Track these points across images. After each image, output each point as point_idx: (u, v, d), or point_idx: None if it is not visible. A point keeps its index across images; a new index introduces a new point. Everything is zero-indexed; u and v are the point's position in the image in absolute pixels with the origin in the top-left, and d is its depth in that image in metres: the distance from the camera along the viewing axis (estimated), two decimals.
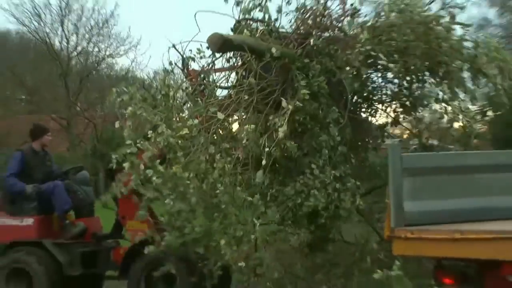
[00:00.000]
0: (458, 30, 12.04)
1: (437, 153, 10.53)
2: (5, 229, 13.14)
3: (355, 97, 12.46)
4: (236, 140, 10.76)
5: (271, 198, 11.20)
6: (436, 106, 12.60)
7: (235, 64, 11.80)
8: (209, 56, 11.74)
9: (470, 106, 12.51)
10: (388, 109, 12.88)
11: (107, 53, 62.24)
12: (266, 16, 11.61)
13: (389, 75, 12.38)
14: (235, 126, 11.26)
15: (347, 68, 11.15)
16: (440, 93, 12.19)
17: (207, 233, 10.69)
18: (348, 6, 12.29)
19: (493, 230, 7.37)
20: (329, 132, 11.11)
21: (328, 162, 10.92)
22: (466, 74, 11.97)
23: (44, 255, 12.74)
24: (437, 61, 11.57)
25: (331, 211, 10.70)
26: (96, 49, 59.54)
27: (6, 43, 65.99)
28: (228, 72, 11.87)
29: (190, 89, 11.51)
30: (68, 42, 57.57)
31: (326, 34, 11.99)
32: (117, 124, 11.05)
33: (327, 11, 11.88)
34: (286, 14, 12.06)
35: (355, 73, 11.10)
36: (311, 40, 11.66)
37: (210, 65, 11.70)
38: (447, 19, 11.79)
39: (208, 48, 11.34)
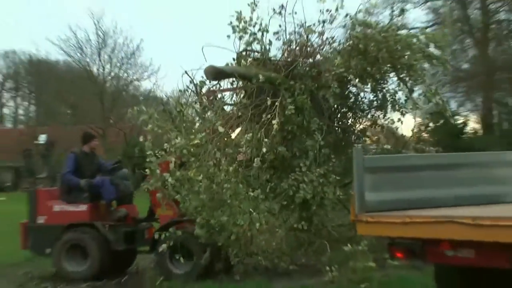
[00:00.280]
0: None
1: (391, 156, 10.63)
2: (64, 214, 13.79)
3: (342, 108, 12.71)
4: (238, 146, 10.78)
5: (271, 191, 11.48)
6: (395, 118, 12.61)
7: (237, 86, 11.80)
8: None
9: (418, 119, 12.57)
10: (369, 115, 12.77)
11: (134, 77, 70.35)
12: (262, 47, 11.50)
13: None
14: (235, 136, 11.15)
15: (327, 87, 11.03)
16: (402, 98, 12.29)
17: (221, 226, 10.92)
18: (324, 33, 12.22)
19: (433, 216, 7.70)
20: (314, 138, 11.29)
21: (314, 161, 10.85)
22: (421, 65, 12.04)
23: (95, 234, 13.53)
24: (397, 59, 11.56)
25: (318, 201, 10.67)
26: (125, 74, 65.73)
27: (55, 70, 72.03)
28: (231, 92, 11.86)
29: (199, 106, 11.46)
30: (103, 69, 63.33)
31: (310, 60, 11.82)
32: (141, 138, 11.34)
33: (309, 42, 11.76)
34: (277, 49, 12.00)
35: (333, 90, 10.96)
36: (297, 66, 11.83)
37: (218, 87, 11.60)
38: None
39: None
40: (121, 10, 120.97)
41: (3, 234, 23.34)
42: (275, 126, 11.20)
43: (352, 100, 12.81)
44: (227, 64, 11.90)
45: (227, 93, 12.64)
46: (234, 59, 11.98)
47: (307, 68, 12.03)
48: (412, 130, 13.25)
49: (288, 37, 12.36)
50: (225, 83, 12.28)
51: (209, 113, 11.99)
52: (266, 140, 11.07)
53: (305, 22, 12.27)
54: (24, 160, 17.14)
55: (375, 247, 11.01)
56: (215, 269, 12.68)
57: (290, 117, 11.33)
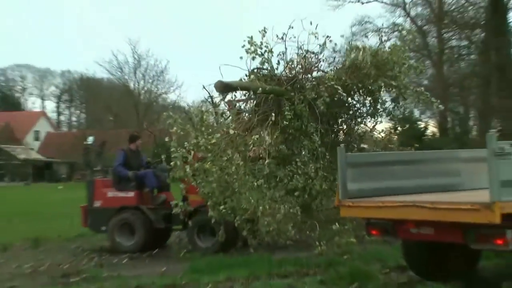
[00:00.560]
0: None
1: (368, 153, 10.62)
2: (116, 199, 13.95)
3: (339, 115, 12.37)
4: (247, 145, 10.79)
5: (274, 181, 11.27)
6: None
7: (248, 96, 11.85)
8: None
9: (389, 123, 12.57)
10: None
11: (162, 91, 68.38)
12: (269, 66, 11.55)
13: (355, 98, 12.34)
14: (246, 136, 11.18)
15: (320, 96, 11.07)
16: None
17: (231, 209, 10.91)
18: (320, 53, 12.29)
19: (401, 201, 7.68)
20: (311, 139, 11.21)
21: (310, 158, 10.99)
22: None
23: (141, 215, 13.67)
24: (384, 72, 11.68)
25: (307, 191, 10.70)
26: (156, 89, 63.50)
27: (101, 86, 74.55)
28: (243, 102, 11.92)
29: (214, 114, 11.52)
30: (138, 85, 63.22)
31: (308, 75, 11.86)
32: (167, 139, 11.40)
33: (306, 61, 11.79)
34: (282, 66, 12.07)
35: (324, 99, 10.96)
36: (296, 80, 11.80)
37: (234, 97, 11.68)
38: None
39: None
40: (152, 37, 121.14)
41: (61, 215, 23.38)
42: (276, 130, 11.27)
43: (345, 108, 12.67)
44: (241, 79, 11.95)
45: (241, 102, 12.62)
46: (246, 75, 11.98)
47: (306, 82, 12.02)
48: (384, 133, 13.18)
49: (289, 57, 12.32)
50: (240, 95, 12.30)
51: (222, 119, 11.97)
52: (267, 138, 11.16)
53: (302, 45, 12.25)
54: (83, 156, 17.36)
55: (356, 227, 11.00)
56: (236, 244, 12.64)
57: (290, 122, 11.33)
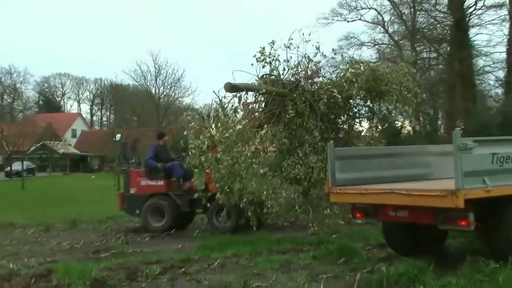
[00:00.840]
0: None
1: (353, 148, 10.58)
2: (148, 186, 13.97)
3: (339, 116, 12.29)
4: (255, 139, 10.75)
5: (279, 170, 11.40)
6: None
7: (257, 98, 11.77)
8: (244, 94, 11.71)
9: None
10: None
11: (179, 95, 65.66)
12: (276, 72, 11.50)
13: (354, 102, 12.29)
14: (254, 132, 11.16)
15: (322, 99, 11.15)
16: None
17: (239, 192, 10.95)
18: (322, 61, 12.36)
19: (381, 188, 7.67)
20: (312, 135, 11.14)
21: (311, 151, 10.94)
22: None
23: (170, 200, 13.70)
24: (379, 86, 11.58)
25: (308, 179, 10.64)
26: (173, 93, 62.19)
27: (127, 91, 73.86)
28: (254, 103, 11.86)
29: (227, 112, 11.50)
30: (159, 90, 62.38)
31: (310, 80, 11.80)
32: (185, 132, 11.36)
33: (309, 67, 11.73)
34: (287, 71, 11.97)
35: (323, 101, 10.98)
36: (299, 84, 11.70)
37: (246, 99, 11.62)
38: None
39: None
40: (171, 49, 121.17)
41: (93, 201, 23.41)
42: (280, 125, 11.31)
43: (345, 110, 12.50)
44: (252, 83, 11.92)
45: (253, 104, 12.51)
46: (256, 80, 11.90)
47: (308, 86, 11.92)
48: (368, 131, 13.07)
49: (293, 63, 12.19)
50: (252, 97, 12.22)
51: (234, 117, 11.87)
52: (269, 133, 11.20)
53: (304, 54, 12.14)
54: (121, 150, 17.33)
55: (343, 210, 10.95)
56: (248, 226, 12.23)
57: (292, 118, 11.30)
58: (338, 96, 11.13)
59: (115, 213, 17.28)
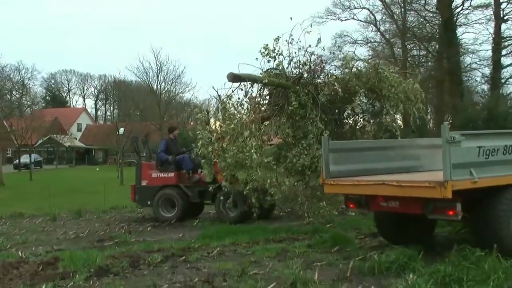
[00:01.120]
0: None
1: (346, 141, 10.54)
2: (159, 178, 13.97)
3: (343, 110, 12.01)
4: (260, 130, 10.71)
5: (283, 159, 11.30)
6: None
7: (262, 91, 11.73)
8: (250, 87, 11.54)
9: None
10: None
11: (180, 91, 66.90)
12: (280, 66, 11.39)
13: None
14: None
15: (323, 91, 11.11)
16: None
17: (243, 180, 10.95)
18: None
19: (373, 180, 7.70)
20: (316, 125, 11.00)
21: (315, 141, 10.82)
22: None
23: (180, 191, 13.71)
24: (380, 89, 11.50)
25: (313, 168, 10.60)
26: (174, 89, 62.91)
27: (130, 87, 72.89)
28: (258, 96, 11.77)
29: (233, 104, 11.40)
30: (160, 86, 62.25)
31: (312, 74, 11.72)
32: (192, 123, 11.39)
33: (312, 63, 11.60)
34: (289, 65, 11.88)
35: (324, 93, 11.01)
36: (302, 77, 11.59)
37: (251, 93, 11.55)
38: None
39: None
40: (170, 44, 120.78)
41: (98, 192, 23.37)
42: (283, 116, 11.23)
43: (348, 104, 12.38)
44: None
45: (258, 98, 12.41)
46: (260, 74, 11.69)
47: (310, 79, 11.78)
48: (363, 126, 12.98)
49: (295, 57, 12.08)
50: (254, 92, 12.12)
51: (240, 109, 11.79)
52: (273, 124, 11.19)
53: (308, 47, 11.99)
54: (132, 144, 17.23)
55: (337, 201, 10.94)
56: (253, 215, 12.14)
57: (295, 110, 11.24)
58: (339, 89, 11.06)
59: (119, 204, 17.27)
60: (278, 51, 11.51)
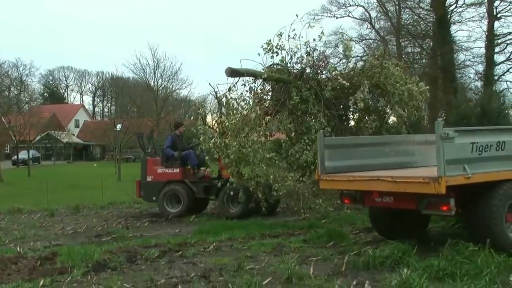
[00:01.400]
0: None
1: (341, 137, 10.54)
2: (165, 174, 13.86)
3: (346, 106, 12.02)
4: (261, 125, 10.69)
5: (286, 154, 11.40)
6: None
7: (264, 87, 11.70)
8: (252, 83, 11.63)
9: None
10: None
11: (176, 87, 66.91)
12: (283, 61, 11.44)
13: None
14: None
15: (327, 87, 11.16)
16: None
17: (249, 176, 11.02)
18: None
19: (367, 175, 7.71)
20: (318, 120, 11.08)
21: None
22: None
23: (185, 187, 13.58)
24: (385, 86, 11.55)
25: (316, 164, 10.69)
26: (171, 86, 62.28)
27: (127, 83, 73.59)
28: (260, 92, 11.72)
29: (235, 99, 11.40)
30: (157, 83, 62.71)
31: (315, 70, 11.74)
32: (192, 118, 11.43)
33: (315, 59, 11.61)
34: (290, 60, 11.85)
35: (327, 88, 11.08)
36: (303, 72, 11.62)
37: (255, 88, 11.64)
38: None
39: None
40: (169, 43, 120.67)
41: (95, 187, 23.32)
42: (285, 111, 11.21)
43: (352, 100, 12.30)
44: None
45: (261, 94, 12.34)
46: (262, 69, 11.64)
47: (313, 74, 11.79)
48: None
49: (300, 53, 12.01)
50: (257, 88, 12.03)
51: (242, 104, 11.74)
52: (275, 120, 11.23)
53: (312, 41, 11.79)
54: (137, 140, 17.10)
55: (332, 196, 10.96)
56: (256, 211, 12.28)
57: (296, 105, 11.20)
58: (344, 82, 10.99)
59: (116, 199, 17.23)
60: (282, 45, 11.46)
